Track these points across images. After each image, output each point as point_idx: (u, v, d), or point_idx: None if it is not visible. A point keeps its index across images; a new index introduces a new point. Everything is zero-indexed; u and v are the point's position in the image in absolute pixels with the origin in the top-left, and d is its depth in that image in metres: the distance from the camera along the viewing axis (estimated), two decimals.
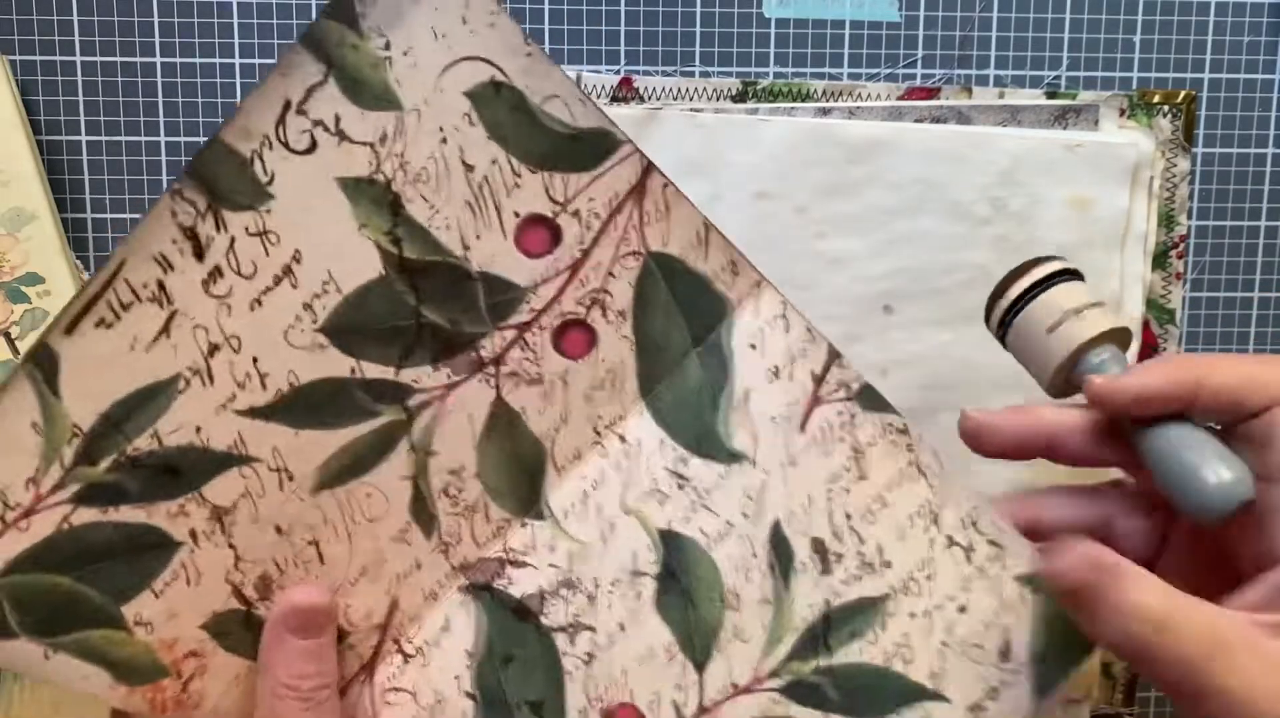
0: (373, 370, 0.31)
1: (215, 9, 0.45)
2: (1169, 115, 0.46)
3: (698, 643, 0.32)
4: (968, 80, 0.46)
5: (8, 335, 0.44)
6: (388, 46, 0.30)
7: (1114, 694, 0.48)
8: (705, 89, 0.45)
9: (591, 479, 0.33)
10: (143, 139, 0.45)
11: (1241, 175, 0.47)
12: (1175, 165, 0.46)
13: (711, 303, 0.32)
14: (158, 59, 0.45)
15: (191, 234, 0.30)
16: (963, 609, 0.32)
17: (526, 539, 0.33)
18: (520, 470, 0.33)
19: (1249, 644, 0.27)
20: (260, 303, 0.30)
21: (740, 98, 0.45)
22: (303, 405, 0.31)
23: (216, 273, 0.30)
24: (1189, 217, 0.47)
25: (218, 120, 0.45)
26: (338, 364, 0.31)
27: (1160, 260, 0.46)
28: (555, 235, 0.32)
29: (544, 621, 0.33)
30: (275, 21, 0.45)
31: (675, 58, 0.46)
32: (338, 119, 0.30)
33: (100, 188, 0.46)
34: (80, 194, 0.46)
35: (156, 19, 0.45)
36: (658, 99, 0.45)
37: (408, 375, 0.32)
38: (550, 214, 0.31)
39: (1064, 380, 0.32)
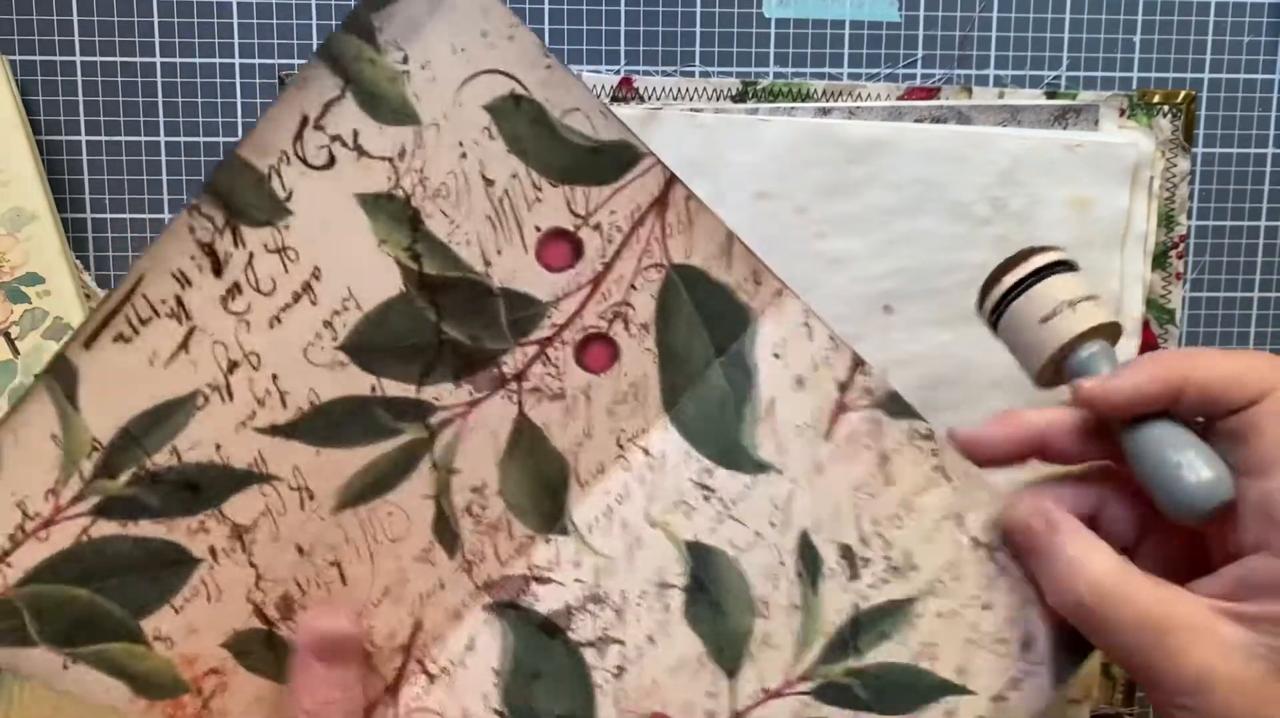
0: (394, 388, 0.31)
1: (215, 9, 0.45)
2: (1169, 115, 0.46)
3: (728, 652, 0.32)
4: (968, 80, 0.46)
5: (8, 335, 0.44)
6: (405, 60, 0.30)
7: (1114, 694, 0.48)
8: (705, 89, 0.45)
9: (615, 493, 0.33)
10: (143, 139, 0.45)
11: (1241, 175, 0.47)
12: (1175, 165, 0.46)
13: (734, 313, 0.32)
14: (158, 59, 0.45)
15: (210, 250, 0.30)
16: (987, 607, 0.33)
17: (551, 555, 0.33)
18: (543, 486, 0.32)
19: (1208, 627, 0.28)
20: (280, 320, 0.30)
21: (740, 98, 0.45)
22: (323, 424, 0.31)
23: (235, 289, 0.30)
24: (1189, 217, 0.47)
25: (218, 120, 0.46)
26: (358, 382, 0.31)
27: (1160, 260, 0.46)
28: (577, 249, 0.31)
29: (572, 636, 0.32)
30: (275, 21, 0.45)
31: (675, 58, 0.46)
32: (356, 134, 0.30)
33: (100, 188, 0.46)
34: (80, 194, 0.46)
35: (156, 19, 0.45)
36: (658, 99, 0.45)
37: (429, 393, 0.31)
38: (572, 228, 0.31)
39: (1053, 372, 0.32)
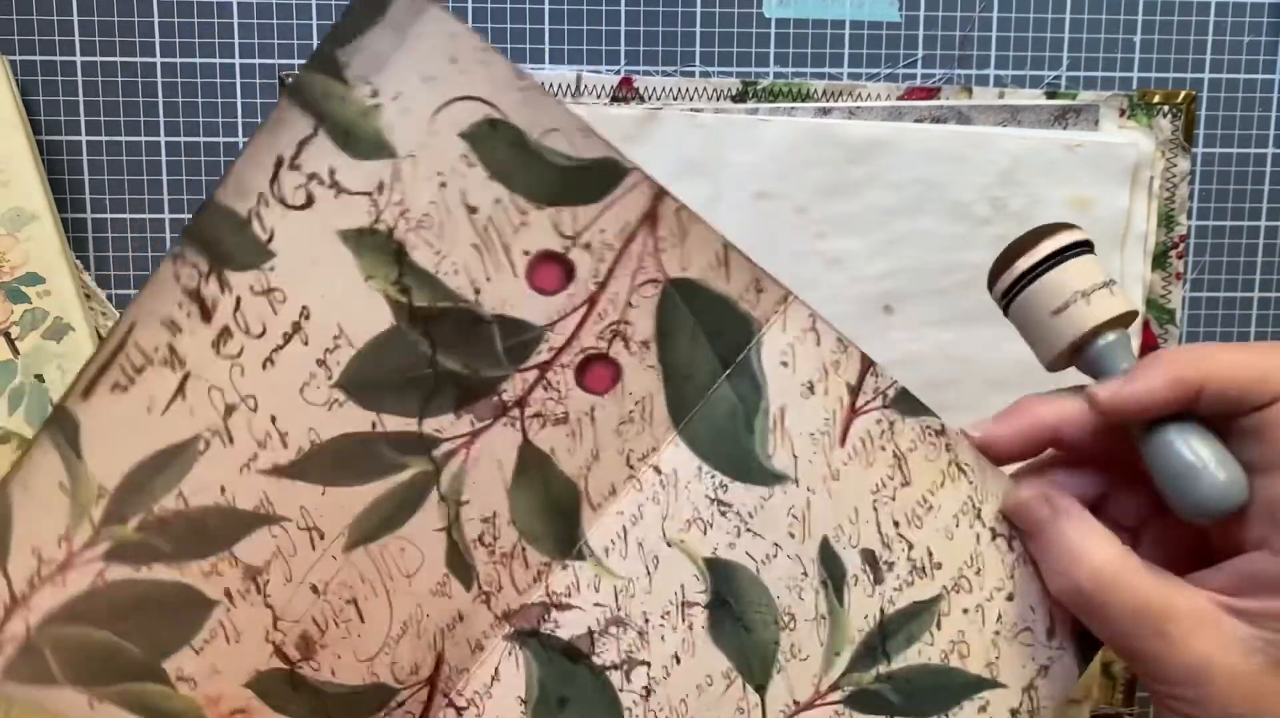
0: (394, 423, 0.31)
1: (215, 9, 0.45)
2: (1169, 115, 0.46)
3: (756, 666, 0.32)
4: (968, 80, 0.46)
5: (8, 335, 0.44)
6: (376, 94, 0.29)
7: (1114, 694, 0.48)
8: (705, 89, 0.45)
9: (630, 514, 0.32)
10: (143, 139, 0.45)
11: (1241, 175, 0.47)
12: (1175, 165, 0.46)
13: (737, 324, 0.32)
14: (158, 59, 0.45)
15: (197, 296, 0.29)
16: (1010, 597, 0.33)
17: (569, 581, 0.32)
18: (555, 512, 0.32)
19: (1208, 619, 0.28)
20: (273, 361, 0.30)
21: (740, 98, 0.45)
22: (327, 462, 0.31)
23: (226, 334, 0.30)
24: (1189, 217, 0.47)
25: (218, 120, 0.46)
26: (358, 419, 0.31)
27: (1160, 260, 0.46)
28: (568, 271, 0.31)
29: (596, 660, 0.32)
30: (275, 21, 0.45)
31: (675, 58, 0.46)
32: (332, 171, 0.29)
33: (100, 188, 0.46)
34: (80, 194, 0.46)
35: (156, 19, 0.45)
36: (658, 99, 0.45)
37: (430, 425, 0.31)
38: (561, 249, 0.31)
39: (1065, 361, 0.32)
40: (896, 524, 0.32)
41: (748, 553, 0.32)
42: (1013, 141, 0.44)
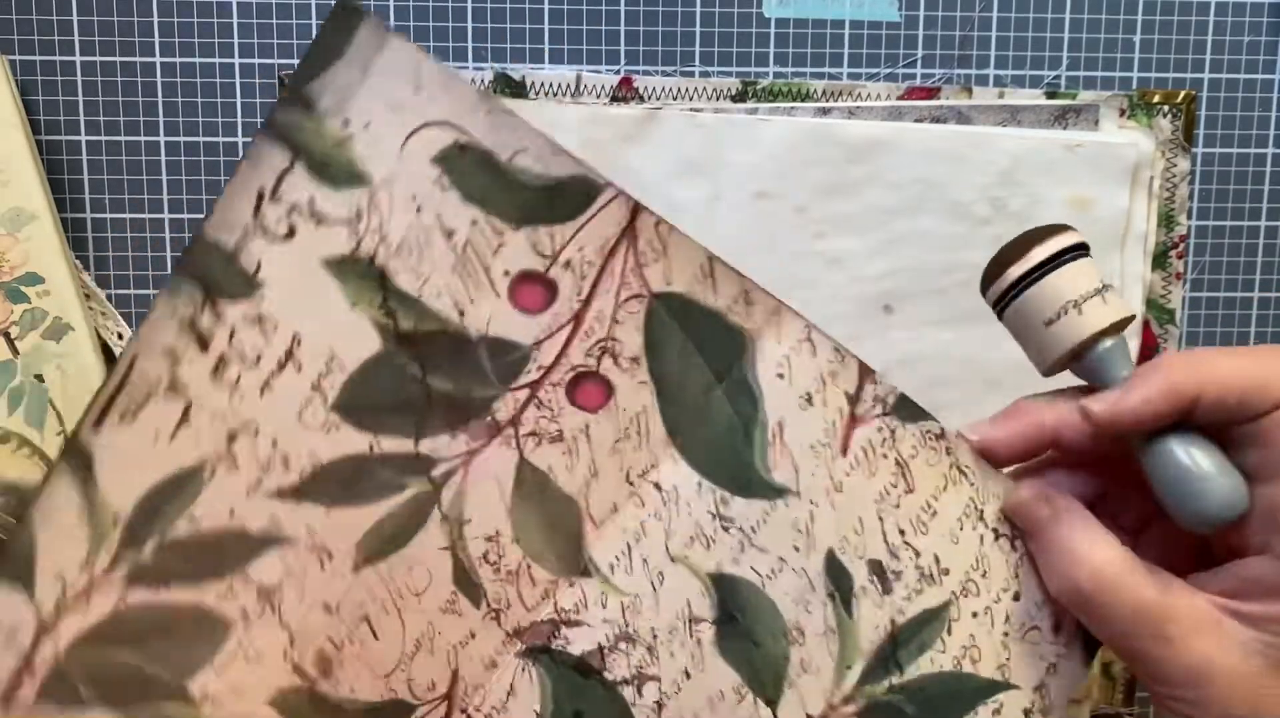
0: (391, 444, 0.31)
1: (215, 9, 0.45)
2: (1169, 115, 0.46)
3: (766, 681, 0.32)
4: (968, 80, 0.46)
5: (7, 335, 0.44)
6: (347, 124, 0.30)
7: (1114, 694, 0.48)
8: (705, 89, 0.45)
9: (632, 531, 0.32)
10: (142, 139, 0.45)
11: (1241, 175, 0.47)
12: (1175, 165, 0.46)
13: (728, 337, 0.32)
14: (158, 59, 0.45)
15: (193, 327, 0.30)
16: (1016, 597, 0.33)
17: (576, 598, 0.32)
18: (557, 530, 0.32)
19: (1212, 621, 0.28)
20: (270, 387, 0.31)
21: (740, 98, 0.45)
22: (329, 484, 0.31)
23: (223, 362, 0.31)
24: (1189, 217, 0.47)
25: (217, 120, 0.46)
26: (355, 441, 0.31)
27: (1160, 260, 0.46)
28: (550, 289, 0.31)
29: (607, 675, 0.32)
30: (275, 21, 0.45)
31: (675, 58, 0.46)
32: (312, 201, 0.30)
33: (100, 188, 0.46)
34: (80, 194, 0.46)
35: (156, 19, 0.45)
36: (658, 99, 0.45)
37: (427, 446, 0.31)
38: (541, 269, 0.31)
39: (1061, 368, 0.32)
40: (902, 532, 0.32)
41: (753, 568, 0.32)
42: (1013, 141, 0.44)
